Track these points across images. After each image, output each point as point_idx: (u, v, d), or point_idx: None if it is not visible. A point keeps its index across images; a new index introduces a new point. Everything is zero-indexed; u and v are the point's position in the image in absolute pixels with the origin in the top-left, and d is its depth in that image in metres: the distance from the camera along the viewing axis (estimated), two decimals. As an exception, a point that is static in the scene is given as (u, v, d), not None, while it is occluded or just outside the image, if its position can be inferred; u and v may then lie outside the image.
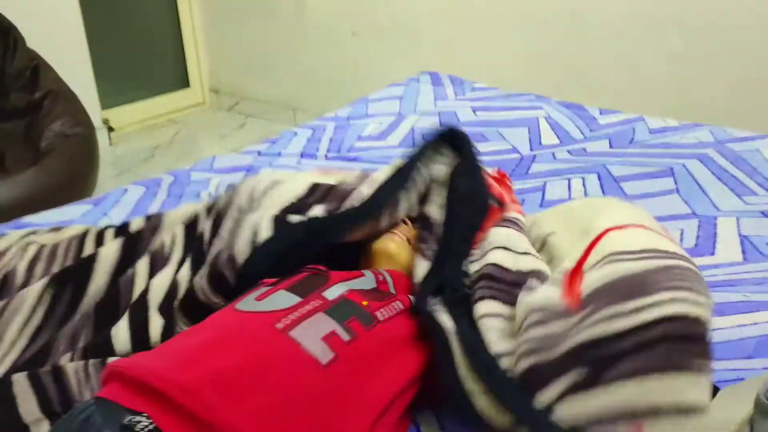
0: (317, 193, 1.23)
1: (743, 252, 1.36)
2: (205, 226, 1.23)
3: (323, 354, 0.89)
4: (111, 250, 1.23)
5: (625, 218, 1.06)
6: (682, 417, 0.78)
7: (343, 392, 0.88)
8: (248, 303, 1.00)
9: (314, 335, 0.91)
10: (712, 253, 1.36)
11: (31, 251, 1.28)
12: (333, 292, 1.01)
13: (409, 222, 1.25)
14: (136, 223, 1.35)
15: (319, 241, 1.13)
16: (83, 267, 1.20)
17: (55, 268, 1.25)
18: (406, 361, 0.97)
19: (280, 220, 1.13)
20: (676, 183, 1.64)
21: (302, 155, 1.90)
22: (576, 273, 1.00)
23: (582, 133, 1.98)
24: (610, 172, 1.70)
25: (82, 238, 1.31)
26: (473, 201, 1.21)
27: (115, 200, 1.66)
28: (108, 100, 3.70)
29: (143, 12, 3.98)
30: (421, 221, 1.23)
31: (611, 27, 2.67)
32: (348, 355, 0.91)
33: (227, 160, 1.87)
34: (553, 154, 1.86)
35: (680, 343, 0.83)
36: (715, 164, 1.71)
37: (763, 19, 2.37)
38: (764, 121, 2.28)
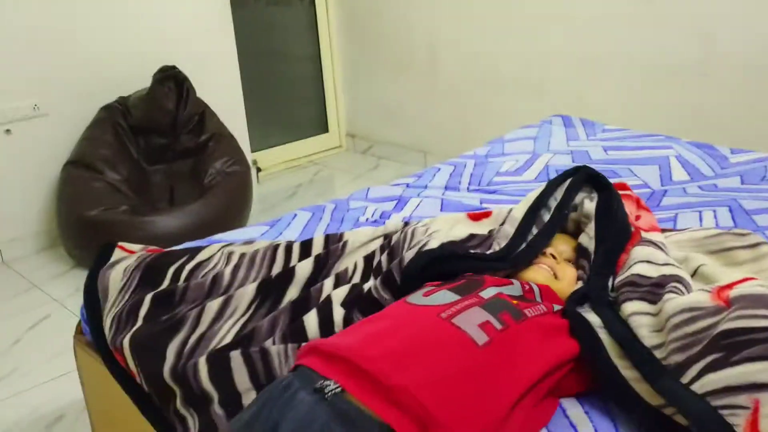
0: (474, 240, 1.44)
1: None
2: (381, 258, 1.45)
3: (479, 337, 1.07)
4: (306, 266, 1.48)
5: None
6: None
7: (495, 369, 1.05)
8: (417, 298, 1.20)
9: (472, 323, 1.09)
10: None
11: (235, 259, 1.54)
12: (488, 293, 1.20)
13: (561, 246, 1.42)
14: (318, 242, 1.58)
15: (469, 261, 1.33)
16: (285, 277, 1.45)
17: (253, 273, 1.50)
18: (551, 349, 1.13)
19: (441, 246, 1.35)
20: (808, 216, 1.71)
21: (446, 188, 2.10)
22: (727, 287, 1.14)
23: (713, 170, 2.08)
24: (741, 206, 1.79)
25: (274, 250, 1.56)
26: (617, 228, 1.37)
27: (287, 223, 1.91)
28: (257, 144, 4.09)
29: (291, 65, 4.39)
30: (578, 251, 1.41)
31: (737, 73, 2.74)
32: (500, 339, 1.08)
33: (380, 190, 2.10)
34: (684, 189, 1.96)
35: None
36: None
37: None
38: None
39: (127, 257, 1.58)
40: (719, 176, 2.03)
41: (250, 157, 3.87)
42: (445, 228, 1.51)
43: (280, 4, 4.30)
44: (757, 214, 1.75)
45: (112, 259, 1.58)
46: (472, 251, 1.39)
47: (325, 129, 4.50)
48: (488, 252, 1.38)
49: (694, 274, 1.29)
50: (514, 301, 1.19)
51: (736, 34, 2.72)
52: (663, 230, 1.51)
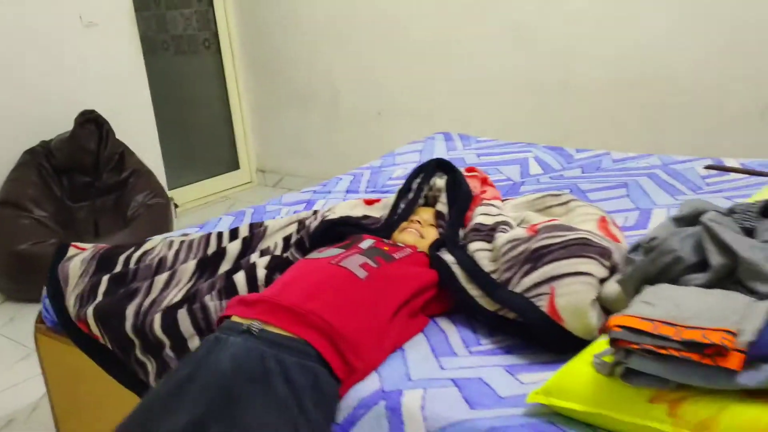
0: (368, 219, 1.86)
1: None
2: (297, 237, 1.82)
3: (361, 273, 1.46)
4: (235, 246, 1.82)
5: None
6: (578, 277, 1.35)
7: (374, 294, 1.44)
8: (314, 255, 1.59)
9: (355, 264, 1.49)
10: (645, 227, 1.91)
11: (175, 246, 1.87)
12: (366, 244, 1.60)
13: (424, 215, 1.83)
14: (243, 229, 1.93)
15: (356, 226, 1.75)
16: (218, 255, 1.79)
17: (192, 255, 1.83)
18: (416, 277, 1.53)
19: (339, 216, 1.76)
20: (628, 191, 2.20)
21: (347, 191, 2.50)
22: (537, 224, 1.58)
23: (561, 165, 2.57)
24: (579, 188, 2.27)
25: (207, 237, 1.90)
26: (462, 195, 1.81)
27: (214, 225, 2.24)
28: (173, 182, 4.38)
29: (202, 108, 4.73)
30: (437, 215, 1.83)
31: (592, 89, 3.31)
32: (376, 274, 1.48)
33: (291, 196, 2.47)
34: (538, 179, 2.44)
35: (584, 246, 1.41)
36: (659, 178, 2.28)
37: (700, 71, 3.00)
38: (702, 148, 2.86)
39: (81, 252, 1.88)
40: (566, 169, 2.52)
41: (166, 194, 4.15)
42: (346, 209, 1.91)
43: (188, 53, 4.66)
44: (590, 192, 2.23)
45: (69, 254, 1.88)
46: (362, 222, 1.79)
47: (236, 166, 4.84)
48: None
49: (521, 223, 1.73)
50: (386, 248, 1.59)
51: (590, 56, 3.30)
52: (504, 199, 1.95)
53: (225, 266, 1.78)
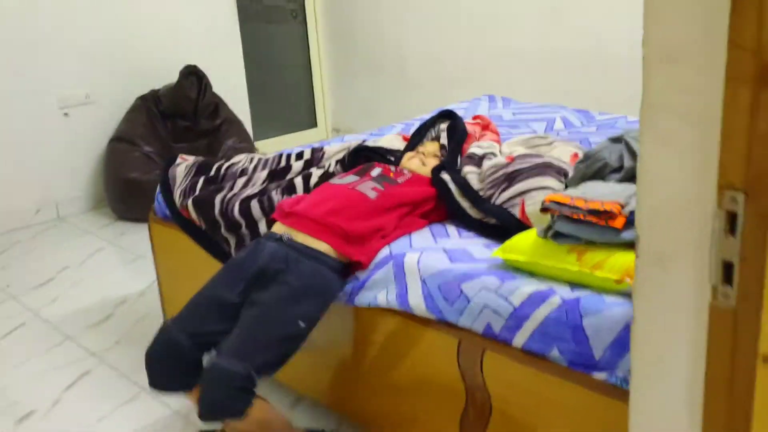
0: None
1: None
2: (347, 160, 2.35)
3: (371, 194, 1.96)
4: (299, 163, 2.37)
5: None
6: (541, 191, 1.81)
7: (382, 207, 1.94)
8: (336, 180, 2.10)
9: (367, 188, 1.99)
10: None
11: (254, 161, 2.43)
12: (375, 172, 2.09)
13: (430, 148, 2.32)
14: (307, 152, 2.47)
15: (378, 154, 2.27)
16: (286, 169, 2.34)
17: (266, 168, 2.39)
18: (415, 194, 2.01)
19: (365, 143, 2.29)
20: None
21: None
22: (512, 155, 2.05)
23: (582, 123, 3.00)
24: (588, 141, 2.70)
25: (279, 157, 2.45)
26: (458, 135, 2.29)
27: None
28: (257, 134, 4.99)
29: (286, 71, 5.33)
30: (441, 147, 2.31)
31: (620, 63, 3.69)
32: (382, 194, 1.97)
33: (352, 137, 3.00)
34: (558, 132, 2.88)
35: (547, 167, 1.89)
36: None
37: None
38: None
39: (186, 161, 2.47)
40: (584, 126, 2.95)
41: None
42: (387, 141, 2.42)
43: (277, 22, 5.25)
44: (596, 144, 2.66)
45: (177, 162, 2.47)
46: (380, 149, 2.31)
47: (314, 124, 5.42)
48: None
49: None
50: (391, 174, 2.09)
51: (621, 33, 3.68)
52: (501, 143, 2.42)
53: (292, 175, 2.32)
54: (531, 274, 1.60)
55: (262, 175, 2.32)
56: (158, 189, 2.44)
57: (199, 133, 4.25)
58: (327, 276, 1.81)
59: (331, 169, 2.31)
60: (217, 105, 4.32)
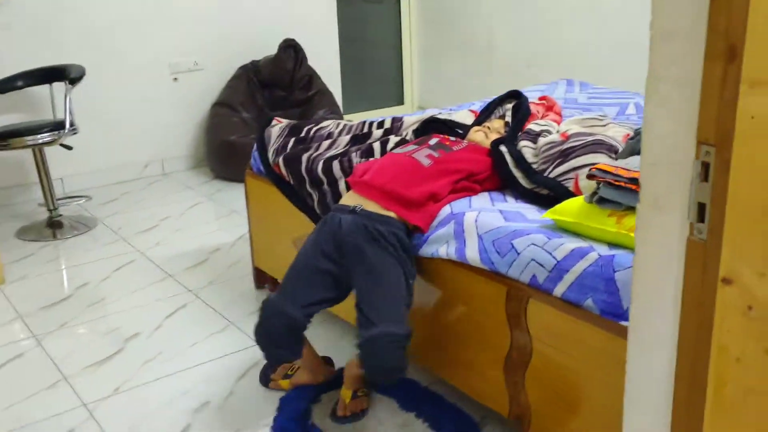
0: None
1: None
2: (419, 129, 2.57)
3: (426, 162, 2.16)
4: (380, 131, 2.61)
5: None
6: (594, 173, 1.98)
7: (435, 174, 2.13)
8: (397, 150, 2.31)
9: (422, 155, 2.19)
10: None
11: (340, 126, 2.68)
12: (433, 141, 2.29)
13: (495, 124, 2.50)
14: (387, 121, 2.71)
15: (447, 126, 2.47)
16: (367, 134, 2.58)
17: (350, 134, 2.64)
18: (469, 161, 2.20)
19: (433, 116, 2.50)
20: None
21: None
22: (566, 132, 2.22)
23: (654, 109, 3.10)
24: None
25: (362, 124, 2.69)
26: (521, 114, 2.47)
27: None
28: (347, 107, 5.27)
29: (376, 49, 5.58)
30: (505, 124, 2.50)
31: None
32: (437, 161, 2.16)
33: (432, 111, 3.21)
34: (628, 117, 3.00)
35: (598, 145, 2.05)
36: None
37: None
38: None
39: (280, 124, 2.75)
40: (656, 112, 3.06)
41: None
42: (459, 116, 2.62)
43: (373, 1, 5.50)
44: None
45: (272, 124, 2.76)
46: (448, 122, 2.52)
47: (401, 101, 5.66)
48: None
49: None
50: (448, 143, 2.28)
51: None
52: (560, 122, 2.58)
53: (372, 140, 2.57)
54: (575, 234, 1.79)
55: (346, 138, 2.57)
56: (255, 147, 2.74)
57: (293, 103, 4.56)
58: (402, 238, 2.04)
59: (408, 137, 2.54)
60: (311, 77, 4.62)
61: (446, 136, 2.36)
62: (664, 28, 0.98)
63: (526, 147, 2.25)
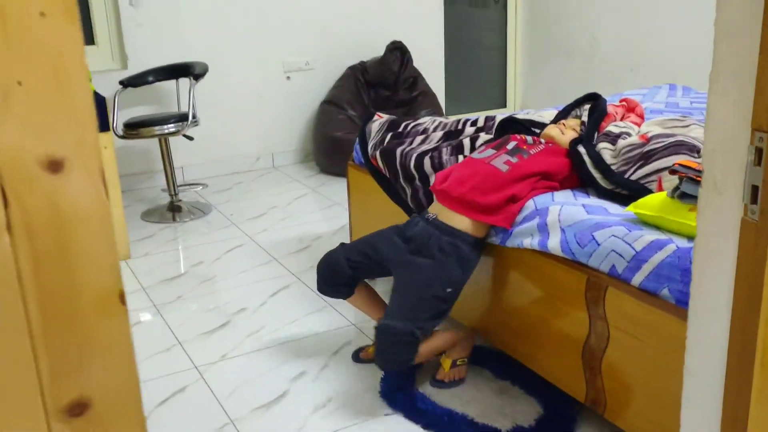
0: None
1: None
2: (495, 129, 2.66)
3: (503, 168, 2.23)
4: (471, 129, 2.73)
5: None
6: (677, 168, 2.02)
7: (513, 179, 2.20)
8: (475, 155, 2.39)
9: (501, 162, 2.26)
10: None
11: (435, 123, 2.82)
12: (511, 145, 2.35)
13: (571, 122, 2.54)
14: (480, 120, 2.82)
15: (525, 126, 2.55)
16: (458, 131, 2.71)
17: (444, 130, 2.77)
18: (547, 164, 2.26)
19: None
20: None
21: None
22: (646, 134, 2.25)
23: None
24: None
25: (457, 122, 2.82)
26: (597, 113, 2.50)
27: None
28: (449, 109, 5.40)
29: (481, 52, 5.68)
30: (581, 124, 2.54)
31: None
32: (514, 166, 2.23)
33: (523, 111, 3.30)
34: (730, 121, 2.98)
35: (680, 146, 2.10)
36: None
37: None
38: None
39: (380, 119, 2.93)
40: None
41: (444, 116, 5.19)
42: (547, 115, 2.69)
43: (480, 6, 5.61)
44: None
45: (373, 119, 2.93)
46: (526, 122, 2.61)
47: (504, 105, 5.73)
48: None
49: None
50: (525, 147, 2.34)
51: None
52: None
53: (460, 138, 2.69)
54: (656, 227, 1.85)
55: (439, 134, 2.71)
56: (357, 140, 2.93)
57: (397, 102, 4.74)
58: (463, 249, 2.16)
59: (486, 137, 2.63)
60: (416, 78, 4.78)
61: (524, 137, 2.42)
62: (726, 25, 1.07)
63: (605, 149, 2.29)
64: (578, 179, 2.29)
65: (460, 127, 2.77)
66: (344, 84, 4.72)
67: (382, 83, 4.71)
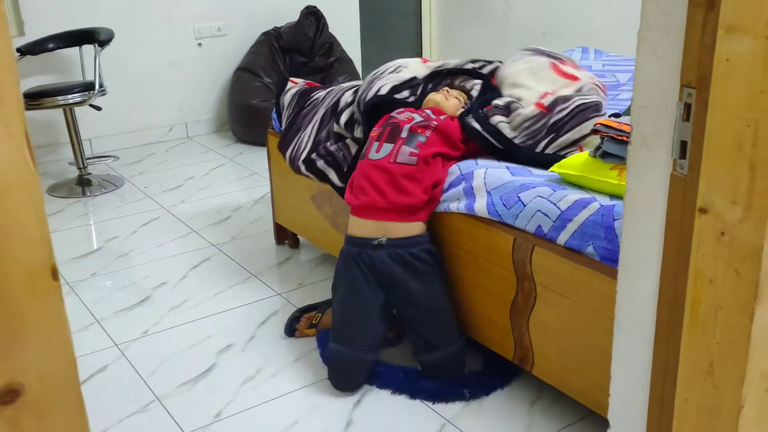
0: (414, 81, 2.55)
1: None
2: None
3: (412, 161, 2.15)
4: (349, 97, 2.70)
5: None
6: (593, 135, 2.06)
7: (425, 165, 2.14)
8: (372, 155, 2.25)
9: (405, 155, 2.17)
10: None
11: (333, 94, 2.73)
12: (404, 132, 2.25)
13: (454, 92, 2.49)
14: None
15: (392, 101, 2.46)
16: (335, 106, 2.68)
17: (324, 108, 2.73)
18: (445, 145, 2.21)
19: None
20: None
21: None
22: (542, 102, 2.28)
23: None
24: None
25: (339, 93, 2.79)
26: (491, 95, 2.45)
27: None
28: (366, 74, 5.35)
29: (396, 18, 5.65)
30: (468, 97, 2.50)
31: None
32: (421, 156, 2.15)
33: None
34: (641, 83, 3.08)
35: (585, 110, 2.13)
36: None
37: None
38: None
39: (294, 86, 2.86)
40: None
41: (361, 83, 5.14)
42: (412, 66, 2.64)
43: (394, -30, 5.56)
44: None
45: (287, 88, 2.87)
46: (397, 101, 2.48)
47: (419, 70, 5.73)
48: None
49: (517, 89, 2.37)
50: (419, 130, 2.25)
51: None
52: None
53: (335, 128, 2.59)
54: (579, 186, 1.89)
55: (321, 112, 2.65)
56: (273, 110, 2.87)
57: (313, 69, 4.66)
58: (432, 249, 2.13)
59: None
60: (332, 44, 4.71)
61: (410, 118, 2.28)
62: (654, -20, 1.07)
63: (501, 122, 2.24)
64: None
65: (336, 99, 2.67)
66: (258, 50, 4.60)
67: (297, 49, 4.61)
